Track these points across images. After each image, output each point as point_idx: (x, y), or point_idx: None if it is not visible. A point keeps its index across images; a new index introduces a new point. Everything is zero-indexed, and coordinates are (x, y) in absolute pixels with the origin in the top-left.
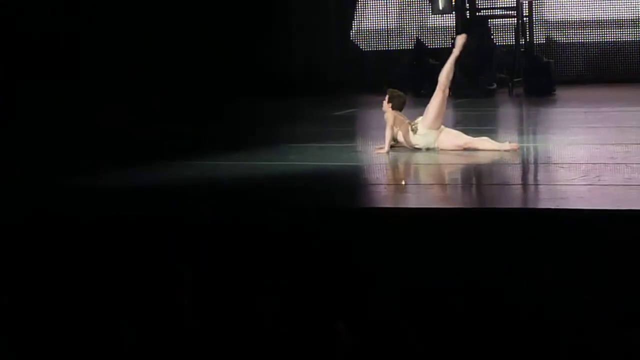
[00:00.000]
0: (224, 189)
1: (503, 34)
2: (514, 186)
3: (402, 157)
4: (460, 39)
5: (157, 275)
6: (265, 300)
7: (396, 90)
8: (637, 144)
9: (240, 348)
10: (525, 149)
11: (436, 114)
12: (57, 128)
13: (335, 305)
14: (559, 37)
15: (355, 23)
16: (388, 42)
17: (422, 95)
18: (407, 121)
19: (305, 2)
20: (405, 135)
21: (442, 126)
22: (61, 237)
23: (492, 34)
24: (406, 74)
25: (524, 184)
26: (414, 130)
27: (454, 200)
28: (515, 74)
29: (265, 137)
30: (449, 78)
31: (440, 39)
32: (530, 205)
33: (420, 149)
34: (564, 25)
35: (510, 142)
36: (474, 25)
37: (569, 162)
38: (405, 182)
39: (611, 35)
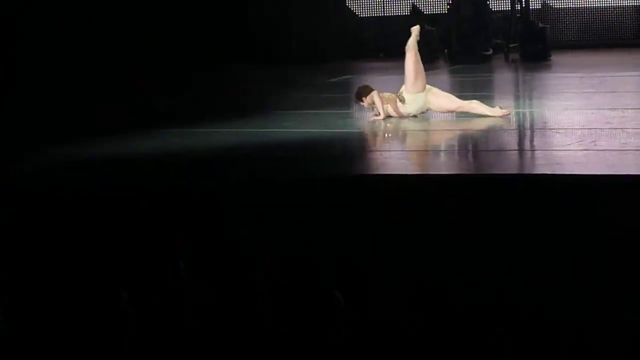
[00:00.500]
0: (218, 157)
1: (499, 0)
2: (510, 152)
3: (398, 123)
4: (414, 31)
5: (152, 243)
6: (263, 269)
7: (359, 87)
8: (633, 108)
9: (238, 317)
10: (521, 115)
11: (414, 76)
12: (45, 100)
13: (333, 275)
14: (554, 2)
15: None
16: (383, 8)
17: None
18: (393, 95)
19: None
20: (395, 108)
21: (427, 86)
22: (56, 209)
23: (488, 0)
24: (402, 40)
25: (520, 149)
26: (402, 100)
27: (451, 166)
28: (511, 39)
29: (260, 105)
30: (414, 44)
31: (436, 5)
32: (527, 171)
33: (415, 116)
34: None
35: (501, 108)
36: None
37: (564, 127)
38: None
39: (606, 0)
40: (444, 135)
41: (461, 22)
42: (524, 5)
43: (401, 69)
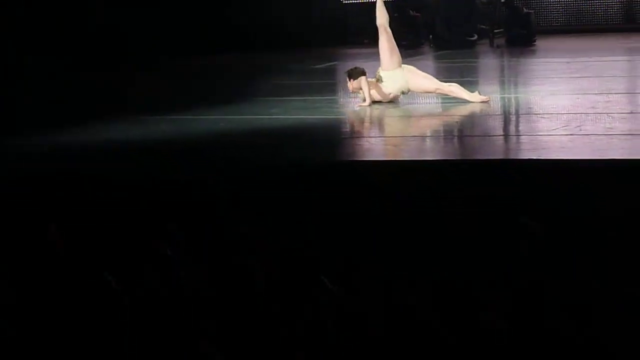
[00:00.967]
0: (205, 144)
1: None
2: (495, 137)
3: (384, 109)
4: None
5: (143, 233)
6: (252, 256)
7: (352, 68)
8: (618, 93)
9: (226, 302)
10: (506, 100)
11: (388, 54)
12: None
13: (320, 261)
14: None
15: None
16: None
17: (404, 47)
18: (372, 80)
19: None
20: (379, 91)
21: (407, 66)
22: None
23: None
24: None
25: (506, 134)
26: (380, 80)
27: (436, 152)
28: (496, 25)
29: (246, 92)
30: (386, 17)
31: None
32: (512, 156)
33: (397, 98)
34: None
35: (480, 94)
36: None
37: (550, 112)
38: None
39: None
40: (429, 121)
41: (446, 8)
42: None
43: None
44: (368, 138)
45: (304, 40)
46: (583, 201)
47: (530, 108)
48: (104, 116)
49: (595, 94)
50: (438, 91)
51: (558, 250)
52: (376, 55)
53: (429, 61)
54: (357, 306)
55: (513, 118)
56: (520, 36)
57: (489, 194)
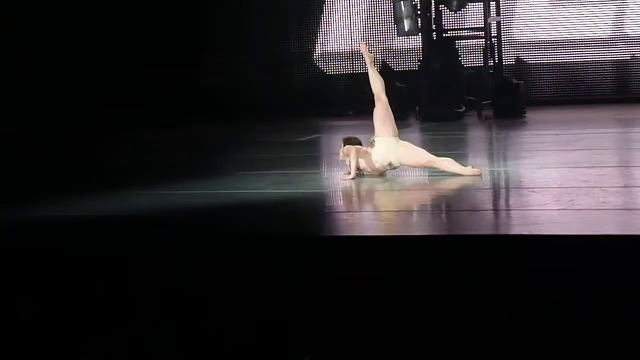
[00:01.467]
0: (183, 219)
1: (471, 55)
2: (484, 212)
3: (369, 183)
4: (362, 47)
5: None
6: (228, 330)
7: (350, 136)
8: (611, 166)
9: None
10: (495, 173)
11: (382, 120)
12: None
13: (302, 338)
14: (528, 57)
15: (318, 46)
16: (353, 66)
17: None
18: (364, 148)
19: (264, 23)
20: (367, 161)
21: (400, 140)
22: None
23: (460, 56)
24: (371, 98)
25: (495, 209)
26: (372, 144)
27: (422, 227)
28: (484, 96)
29: (225, 165)
30: (381, 83)
31: (406, 61)
32: (502, 232)
33: (385, 171)
34: (533, 45)
35: (472, 167)
36: (441, 46)
37: (541, 186)
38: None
39: (582, 55)
40: (416, 195)
41: (432, 79)
42: (497, 61)
43: (370, 127)
44: (352, 212)
45: (285, 111)
46: (577, 277)
47: (520, 182)
48: (74, 189)
49: (588, 167)
50: (430, 164)
51: (549, 328)
52: (361, 128)
53: (415, 133)
54: None
55: (502, 192)
56: (509, 107)
57: (475, 269)
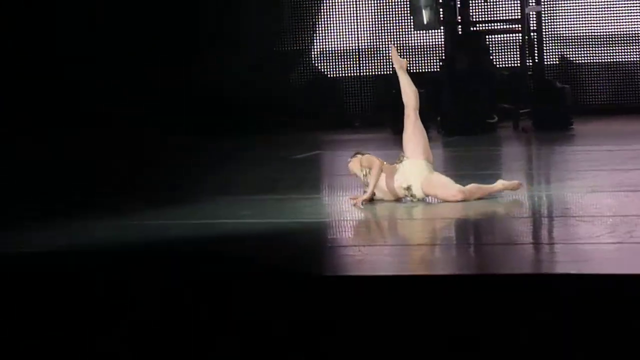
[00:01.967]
0: (163, 253)
1: (505, 54)
2: (522, 245)
3: (382, 209)
4: (393, 51)
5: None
6: None
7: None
8: None
9: None
10: (536, 198)
11: (411, 140)
12: None
13: None
14: (576, 56)
15: (317, 42)
16: (360, 66)
17: (401, 131)
18: (390, 166)
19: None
20: (389, 177)
21: (432, 170)
22: None
23: (492, 54)
24: (383, 105)
25: (536, 242)
26: (400, 159)
27: (447, 264)
28: (522, 103)
29: (209, 187)
30: (415, 96)
31: (426, 61)
32: (545, 270)
33: (404, 196)
34: (581, 41)
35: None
36: (468, 42)
37: (592, 214)
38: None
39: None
40: (439, 225)
41: (457, 83)
42: (537, 60)
43: (383, 142)
44: (360, 247)
45: (280, 123)
46: (633, 327)
47: (566, 209)
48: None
49: None
50: (454, 198)
51: None
52: (371, 143)
53: (437, 150)
54: None
55: (545, 221)
56: (553, 117)
57: (515, 317)
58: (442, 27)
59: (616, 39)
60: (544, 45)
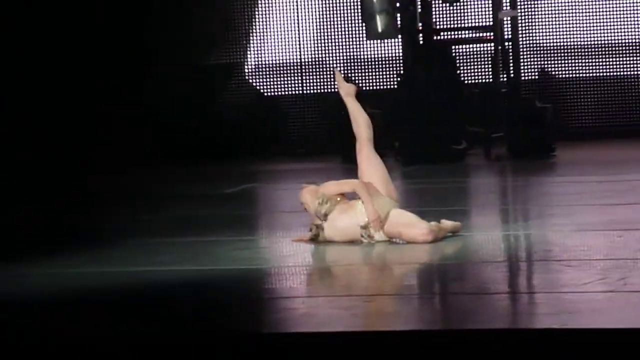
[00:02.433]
0: (66, 309)
1: (475, 67)
2: (496, 295)
3: (331, 252)
4: (337, 76)
5: None
6: None
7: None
8: None
9: None
10: (512, 239)
11: (374, 178)
12: None
13: None
14: (559, 70)
15: (252, 55)
16: (302, 83)
17: (352, 159)
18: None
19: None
20: (344, 216)
21: (397, 207)
22: None
23: (459, 67)
24: (331, 129)
25: (512, 291)
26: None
27: (408, 318)
28: (495, 126)
29: (124, 228)
30: (367, 123)
31: (381, 76)
32: (523, 325)
33: (361, 237)
34: (566, 52)
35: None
36: (431, 54)
37: (578, 257)
38: None
39: (635, 66)
40: (399, 270)
41: (419, 101)
42: (512, 75)
43: (331, 172)
44: (304, 299)
45: (205, 149)
46: None
47: (548, 251)
48: None
49: None
50: (430, 237)
51: None
52: (316, 173)
53: (394, 182)
54: None
55: (522, 266)
56: (531, 143)
57: None
58: (399, 36)
59: (607, 48)
60: (521, 56)
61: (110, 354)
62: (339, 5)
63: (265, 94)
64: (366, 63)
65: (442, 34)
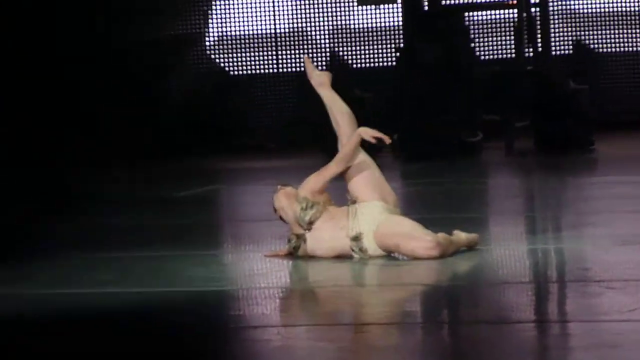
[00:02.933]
0: None
1: (494, 40)
2: (521, 325)
3: (314, 268)
4: (307, 62)
5: None
6: None
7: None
8: None
9: None
10: (539, 254)
11: (363, 181)
12: None
13: None
14: (599, 43)
15: (213, 26)
16: (277, 60)
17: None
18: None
19: None
20: (333, 224)
21: (393, 212)
22: None
23: (473, 40)
24: (311, 116)
25: (540, 320)
26: (352, 202)
27: (409, 352)
28: (518, 113)
29: (60, 240)
30: (348, 115)
31: (376, 52)
32: None
33: (351, 250)
34: (607, 21)
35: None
36: (437, 23)
37: (622, 277)
38: None
39: None
40: (398, 293)
41: (422, 82)
42: (540, 49)
43: (309, 171)
44: (279, 328)
45: (156, 144)
46: None
47: (584, 270)
48: None
49: None
50: (435, 252)
51: None
52: (292, 172)
53: (391, 183)
54: None
55: (553, 289)
56: (564, 134)
57: None
58: (398, 1)
59: None
60: (551, 26)
61: None
62: None
63: (231, 72)
64: (357, 35)
65: None
